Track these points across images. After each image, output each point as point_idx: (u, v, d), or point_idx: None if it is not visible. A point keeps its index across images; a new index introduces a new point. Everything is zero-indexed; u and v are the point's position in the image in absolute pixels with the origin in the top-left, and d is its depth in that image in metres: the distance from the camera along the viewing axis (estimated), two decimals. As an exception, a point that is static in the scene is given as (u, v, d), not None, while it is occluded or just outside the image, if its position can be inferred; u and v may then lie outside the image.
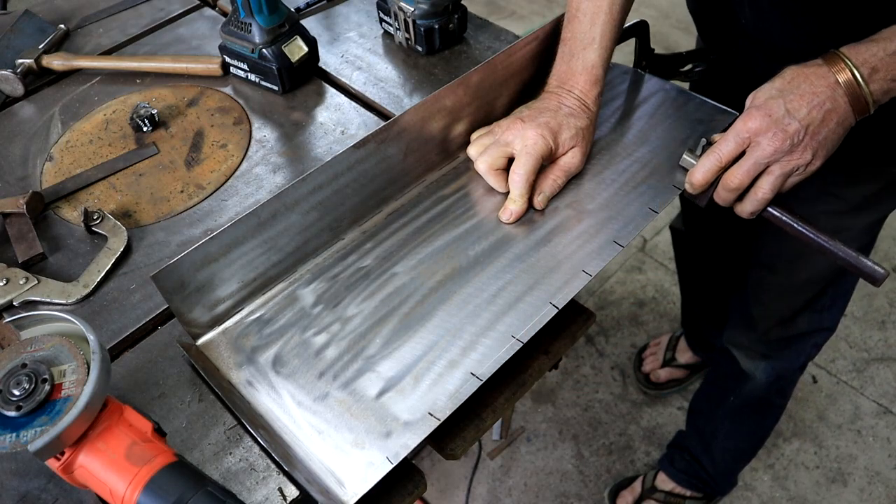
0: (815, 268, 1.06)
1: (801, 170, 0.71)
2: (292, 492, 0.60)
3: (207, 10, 1.16)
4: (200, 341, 0.70)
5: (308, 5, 1.13)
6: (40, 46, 1.05)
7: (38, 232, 0.81)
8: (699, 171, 0.75)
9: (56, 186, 0.87)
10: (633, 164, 0.83)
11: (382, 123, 0.76)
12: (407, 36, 1.02)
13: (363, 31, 1.09)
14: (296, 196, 0.70)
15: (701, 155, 0.76)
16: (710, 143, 0.76)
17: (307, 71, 1.00)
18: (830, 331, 1.19)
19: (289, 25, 0.96)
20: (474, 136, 0.86)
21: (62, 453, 0.51)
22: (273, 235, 0.70)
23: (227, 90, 1.00)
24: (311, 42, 0.99)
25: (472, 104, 0.84)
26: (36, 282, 0.74)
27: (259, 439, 0.60)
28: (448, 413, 0.62)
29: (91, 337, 0.53)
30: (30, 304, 0.74)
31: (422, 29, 0.99)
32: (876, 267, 0.71)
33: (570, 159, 0.80)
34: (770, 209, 0.75)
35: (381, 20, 1.07)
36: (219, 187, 0.86)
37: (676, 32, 2.80)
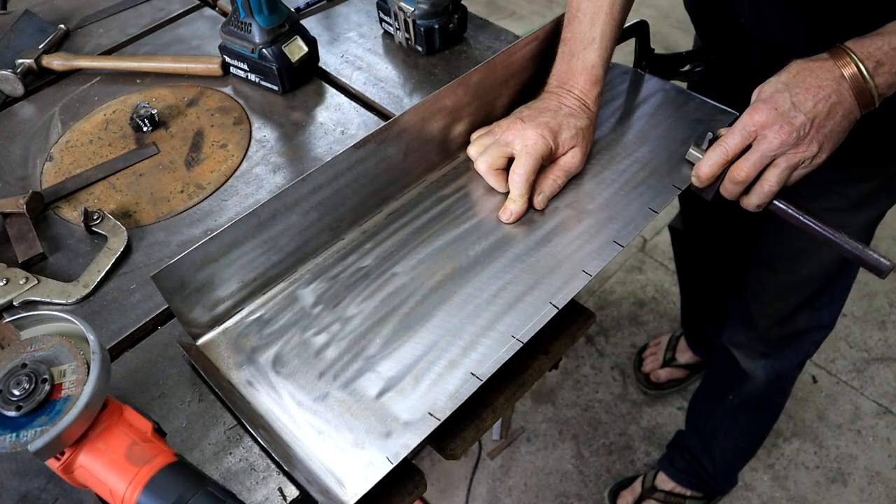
0: (815, 265, 1.06)
1: (807, 162, 0.71)
2: (292, 492, 0.60)
3: (207, 10, 1.16)
4: (200, 341, 0.70)
5: (308, 5, 1.13)
6: (40, 46, 1.05)
7: (38, 232, 0.81)
8: (706, 164, 0.75)
9: (56, 186, 0.87)
10: (633, 164, 0.83)
11: (382, 123, 0.76)
12: (407, 36, 1.02)
13: (363, 31, 1.09)
14: (296, 196, 0.70)
15: (707, 149, 0.76)
16: (715, 137, 0.77)
17: (307, 71, 1.00)
18: (829, 328, 1.19)
19: (289, 25, 0.96)
20: (474, 136, 0.86)
21: (62, 453, 0.51)
22: (273, 235, 0.70)
23: (227, 90, 1.00)
24: (311, 42, 0.99)
25: (472, 104, 0.84)
26: (36, 282, 0.74)
27: (259, 439, 0.60)
28: (448, 413, 0.62)
29: (91, 337, 0.53)
30: (30, 304, 0.74)
31: (422, 29, 0.99)
32: (881, 259, 0.72)
33: (570, 159, 0.80)
34: (776, 202, 0.76)
35: (381, 20, 1.07)
36: (219, 187, 0.86)
37: (676, 32, 2.80)
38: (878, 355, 1.85)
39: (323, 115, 0.95)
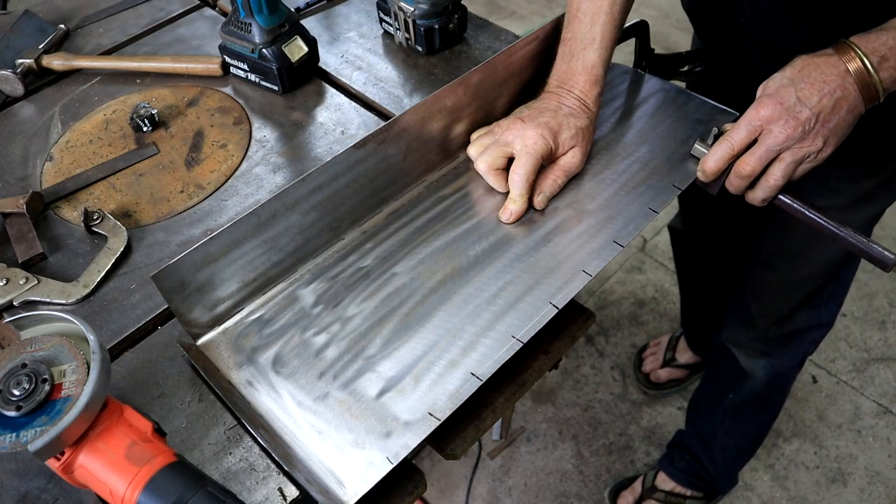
0: (814, 264, 1.06)
1: (812, 157, 0.72)
2: (292, 492, 0.60)
3: (207, 10, 1.16)
4: (200, 341, 0.70)
5: (308, 5, 1.13)
6: (40, 46, 1.05)
7: (38, 232, 0.81)
8: (711, 158, 0.75)
9: (56, 186, 0.87)
10: (633, 164, 0.83)
11: (382, 123, 0.76)
12: (407, 36, 1.02)
13: (363, 31, 1.09)
14: (296, 196, 0.70)
15: (712, 144, 0.77)
16: (721, 133, 0.77)
17: (307, 71, 1.00)
18: (828, 326, 1.19)
19: (289, 25, 0.96)
20: (474, 136, 0.86)
21: (62, 453, 0.51)
22: (273, 235, 0.70)
23: (227, 90, 1.00)
24: (311, 42, 0.99)
25: (472, 104, 0.84)
26: (36, 282, 0.74)
27: (259, 439, 0.60)
28: (448, 413, 0.62)
29: (91, 337, 0.53)
30: (30, 304, 0.74)
31: (422, 29, 0.99)
32: (886, 252, 0.72)
33: (570, 159, 0.80)
34: (781, 196, 0.76)
35: (381, 20, 1.07)
36: (219, 187, 0.86)
37: (676, 32, 2.80)
38: (878, 355, 1.85)
39: (323, 115, 0.95)
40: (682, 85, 0.99)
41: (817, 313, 1.15)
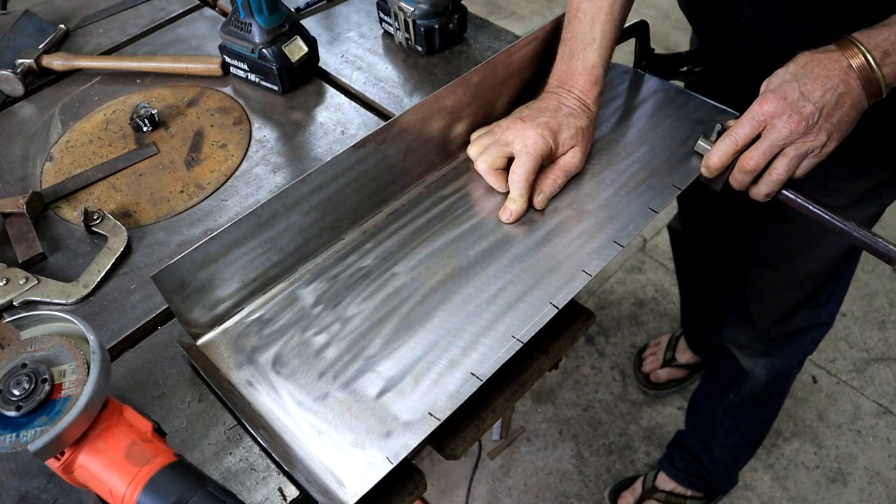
0: (814, 263, 1.06)
1: (816, 151, 0.72)
2: (292, 492, 0.60)
3: (207, 10, 1.16)
4: (200, 341, 0.70)
5: (308, 5, 1.13)
6: (40, 46, 1.05)
7: (38, 232, 0.81)
8: (715, 154, 0.76)
9: (56, 186, 0.87)
10: (633, 164, 0.83)
11: (382, 123, 0.76)
12: (407, 36, 1.02)
13: (363, 31, 1.09)
14: (296, 196, 0.70)
15: (716, 140, 0.77)
16: (724, 129, 0.77)
17: (307, 71, 1.00)
18: (828, 326, 1.19)
19: (289, 25, 0.96)
20: (474, 136, 0.86)
21: (62, 453, 0.51)
22: (273, 235, 0.70)
23: (227, 90, 1.00)
24: (311, 42, 0.99)
25: (472, 104, 0.84)
26: (36, 282, 0.74)
27: (259, 439, 0.60)
28: (448, 413, 0.62)
29: (91, 337, 0.53)
30: (30, 304, 0.74)
31: (422, 29, 0.99)
32: (891, 246, 0.73)
33: (569, 159, 0.80)
34: (785, 192, 0.76)
35: (381, 20, 1.07)
36: (219, 187, 0.86)
37: (676, 32, 2.80)
38: (878, 355, 1.85)
39: (323, 115, 0.95)
40: (682, 85, 0.99)
41: (817, 313, 1.15)
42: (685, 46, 1.13)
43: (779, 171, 0.73)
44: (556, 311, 0.69)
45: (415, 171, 0.82)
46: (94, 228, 0.80)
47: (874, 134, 0.83)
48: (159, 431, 0.56)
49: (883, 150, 0.90)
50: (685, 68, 1.00)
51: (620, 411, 1.78)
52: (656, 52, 0.95)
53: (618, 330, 1.94)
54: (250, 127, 0.94)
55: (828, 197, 0.94)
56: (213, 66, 1.01)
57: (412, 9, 0.98)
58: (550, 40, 0.88)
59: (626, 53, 0.92)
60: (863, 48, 0.69)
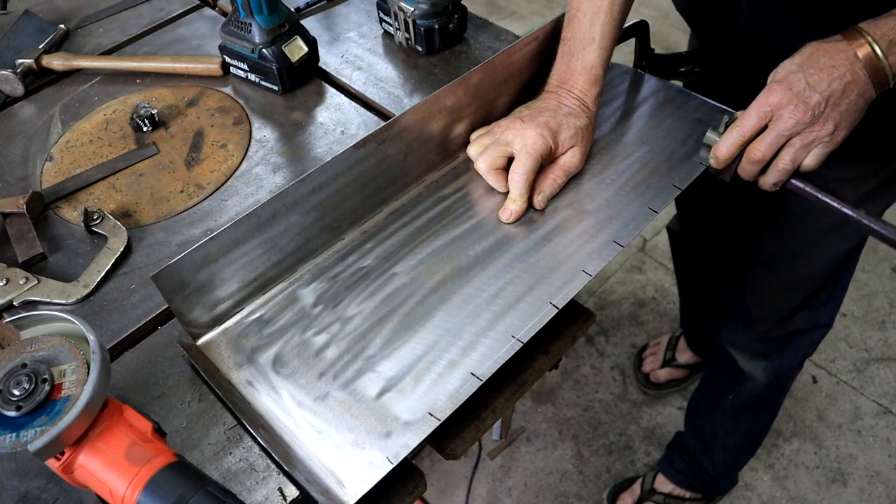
0: (814, 265, 1.06)
1: (826, 140, 0.72)
2: (292, 492, 0.60)
3: (207, 10, 1.16)
4: (200, 341, 0.70)
5: (308, 5, 1.13)
6: (40, 46, 1.05)
7: (38, 232, 0.81)
8: (723, 145, 0.76)
9: (56, 186, 0.87)
10: (633, 164, 0.83)
11: (382, 123, 0.76)
12: (407, 36, 1.02)
13: (363, 31, 1.09)
14: (296, 196, 0.70)
15: (724, 132, 0.78)
16: (732, 120, 0.78)
17: (307, 71, 1.00)
18: (827, 327, 1.19)
19: (289, 25, 0.96)
20: (474, 135, 0.86)
21: (62, 453, 0.51)
22: (273, 235, 0.70)
23: (227, 90, 1.00)
24: (311, 42, 0.99)
25: (472, 104, 0.84)
26: (36, 282, 0.74)
27: (259, 439, 0.60)
28: (448, 413, 0.62)
29: (91, 337, 0.53)
30: (30, 304, 0.74)
31: (422, 29, 0.99)
32: None
33: (569, 159, 0.80)
34: (793, 181, 0.77)
35: (381, 20, 1.07)
36: (219, 187, 0.86)
37: (676, 32, 2.80)
38: (878, 355, 1.85)
39: (323, 115, 0.95)
40: (682, 85, 0.99)
41: (816, 314, 1.15)
42: (685, 46, 1.13)
43: (785, 161, 0.74)
44: (556, 311, 0.69)
45: (415, 171, 0.82)
46: (94, 228, 0.80)
47: (875, 134, 0.83)
48: (159, 431, 0.56)
49: (884, 151, 0.90)
50: (685, 68, 1.00)
51: (620, 411, 1.78)
52: (656, 52, 0.95)
53: (618, 330, 1.94)
54: (250, 127, 0.94)
55: None
56: (213, 66, 1.01)
57: (412, 9, 0.98)
58: (550, 40, 0.88)
59: (626, 53, 0.92)
60: (869, 38, 0.69)
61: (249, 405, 0.64)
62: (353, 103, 0.96)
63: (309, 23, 1.10)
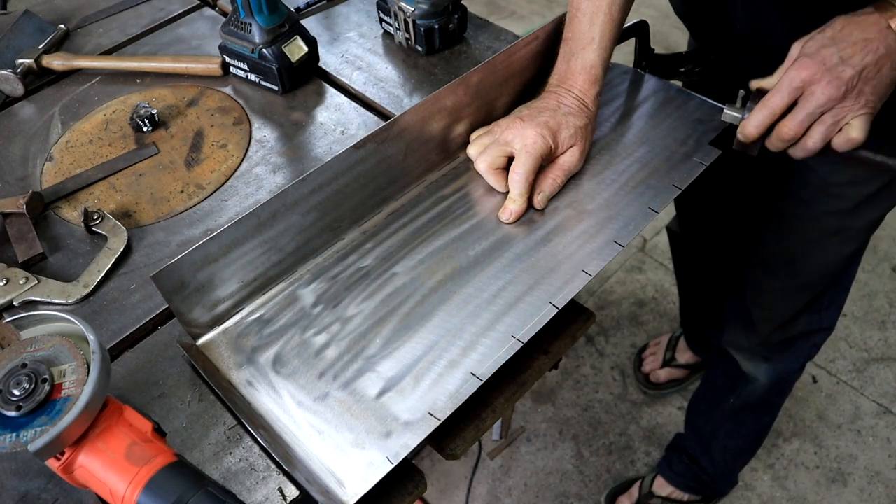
0: (815, 268, 1.06)
1: (860, 112, 0.70)
2: (292, 492, 0.60)
3: (207, 10, 1.16)
4: (200, 341, 0.70)
5: (308, 5, 1.13)
6: (40, 46, 1.05)
7: (38, 232, 0.81)
8: (752, 124, 0.74)
9: (56, 186, 0.87)
10: (633, 164, 0.83)
11: (382, 123, 0.76)
12: (407, 36, 1.02)
13: (363, 31, 1.09)
14: (296, 196, 0.70)
15: (741, 106, 0.76)
16: (748, 94, 0.76)
17: (307, 71, 1.00)
18: (829, 330, 1.19)
19: (289, 25, 0.96)
20: (474, 135, 0.86)
21: (62, 453, 0.51)
22: (273, 235, 0.70)
23: (227, 90, 1.00)
24: (311, 42, 0.99)
25: (472, 104, 0.84)
26: (36, 282, 0.74)
27: (259, 439, 0.60)
28: (448, 413, 0.62)
29: (91, 337, 0.53)
30: (30, 304, 0.74)
31: (422, 29, 0.99)
32: None
33: (568, 158, 0.80)
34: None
35: (381, 20, 1.07)
36: (219, 187, 0.86)
37: (676, 32, 2.80)
38: (878, 355, 1.85)
39: (323, 115, 0.95)
40: (682, 85, 0.99)
41: (818, 318, 1.15)
42: (685, 46, 1.13)
43: (815, 139, 0.71)
44: (556, 311, 0.69)
45: (415, 171, 0.82)
46: (94, 228, 0.80)
47: (878, 136, 0.83)
48: (159, 431, 0.56)
49: (884, 153, 0.89)
50: (685, 68, 1.00)
51: (620, 411, 1.78)
52: (656, 52, 0.95)
53: (618, 330, 1.94)
54: (250, 127, 0.94)
55: (827, 203, 0.94)
56: (213, 66, 1.01)
57: (412, 9, 0.98)
58: (551, 40, 0.88)
59: (626, 53, 0.92)
60: None
61: (249, 405, 0.64)
62: (353, 103, 0.96)
63: (309, 23, 1.10)
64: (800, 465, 1.67)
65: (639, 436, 1.74)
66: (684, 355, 1.77)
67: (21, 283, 0.74)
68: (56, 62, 1.04)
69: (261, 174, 0.88)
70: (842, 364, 1.84)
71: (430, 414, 0.62)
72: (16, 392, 0.51)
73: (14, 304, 0.73)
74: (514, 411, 1.76)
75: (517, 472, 1.69)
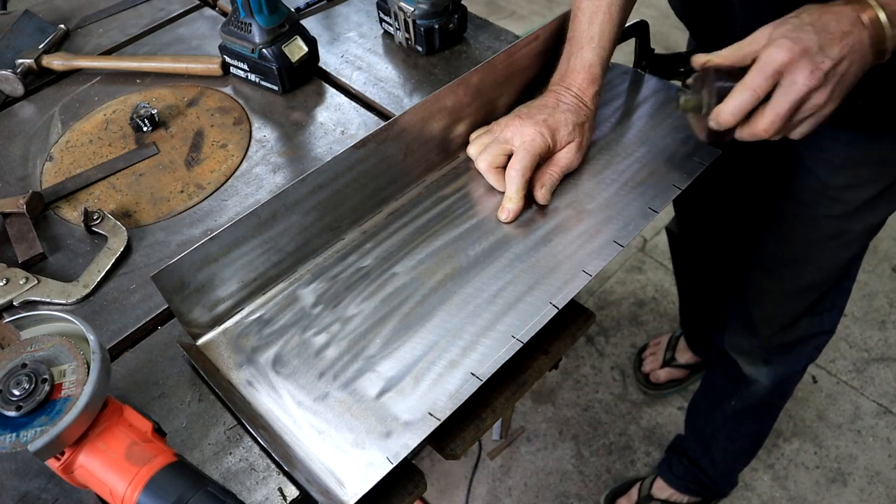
0: (816, 271, 1.05)
1: (817, 112, 0.66)
2: (292, 492, 0.60)
3: (207, 10, 1.16)
4: (200, 341, 0.70)
5: (308, 5, 1.13)
6: (40, 46, 1.05)
7: (38, 232, 0.81)
8: (728, 110, 0.66)
9: (56, 186, 0.87)
10: (633, 164, 0.83)
11: (382, 123, 0.76)
12: (407, 36, 1.02)
13: (363, 31, 1.09)
14: (296, 196, 0.70)
15: (696, 91, 0.70)
16: (698, 78, 0.70)
17: (307, 71, 1.00)
18: (831, 333, 1.18)
19: (289, 25, 0.96)
20: (473, 135, 0.86)
21: (62, 453, 0.51)
22: (273, 235, 0.70)
23: (227, 90, 1.00)
24: (311, 42, 0.99)
25: (472, 104, 0.84)
26: (36, 282, 0.74)
27: (259, 439, 0.60)
28: (448, 413, 0.62)
29: (91, 337, 0.53)
30: (30, 304, 0.74)
31: (422, 29, 0.99)
32: None
33: (566, 155, 0.80)
34: None
35: (381, 20, 1.07)
36: (219, 187, 0.86)
37: (676, 32, 2.80)
38: (878, 355, 1.85)
39: (323, 115, 0.95)
40: (682, 85, 0.99)
41: (820, 320, 1.14)
42: (685, 46, 1.13)
43: (801, 132, 0.67)
44: (556, 311, 0.69)
45: (415, 171, 0.82)
46: (94, 228, 0.80)
47: (875, 139, 0.82)
48: (159, 431, 0.56)
49: (884, 157, 0.89)
50: (685, 68, 1.00)
51: (620, 411, 1.78)
52: (656, 52, 0.95)
53: (618, 330, 1.94)
54: (250, 127, 0.94)
55: (827, 207, 0.93)
56: (213, 66, 1.01)
57: (412, 9, 0.98)
58: (552, 40, 0.88)
59: (626, 53, 0.92)
60: (875, 3, 0.64)
61: (249, 405, 0.64)
62: (353, 103, 0.96)
63: (309, 23, 1.10)
64: (800, 465, 1.67)
65: (639, 436, 1.74)
66: (684, 355, 1.77)
67: (21, 283, 0.74)
68: (56, 62, 1.04)
69: (261, 174, 0.88)
70: (842, 364, 1.84)
71: (430, 414, 0.62)
72: (16, 392, 0.51)
73: (14, 304, 0.73)
74: (514, 411, 1.76)
75: (517, 472, 1.69)
